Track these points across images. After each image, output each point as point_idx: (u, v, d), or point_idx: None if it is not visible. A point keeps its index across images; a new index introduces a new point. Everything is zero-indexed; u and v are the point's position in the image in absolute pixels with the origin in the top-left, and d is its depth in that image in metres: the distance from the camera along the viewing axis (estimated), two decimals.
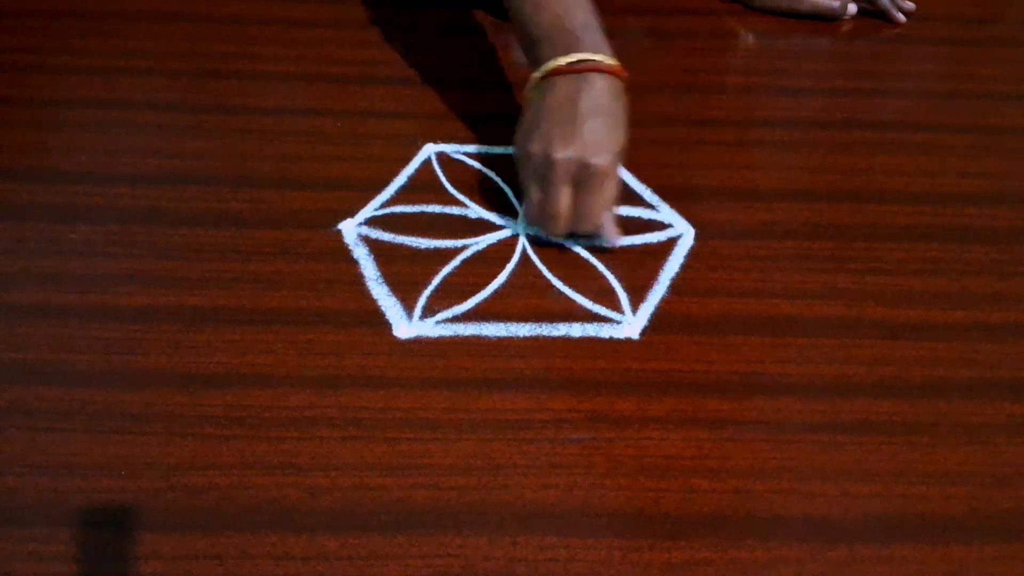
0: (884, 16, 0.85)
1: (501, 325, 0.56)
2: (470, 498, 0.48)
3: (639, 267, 0.60)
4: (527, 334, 0.56)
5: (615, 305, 0.58)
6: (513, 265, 0.60)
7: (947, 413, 0.53)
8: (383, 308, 0.57)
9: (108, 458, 0.48)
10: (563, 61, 0.59)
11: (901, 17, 0.85)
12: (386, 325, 0.56)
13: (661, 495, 0.48)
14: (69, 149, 0.67)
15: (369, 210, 0.63)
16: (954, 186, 0.68)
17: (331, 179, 0.65)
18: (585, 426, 0.51)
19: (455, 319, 0.56)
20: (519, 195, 0.64)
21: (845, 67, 0.81)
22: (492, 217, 0.63)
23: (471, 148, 0.68)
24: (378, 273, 0.59)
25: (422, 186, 0.65)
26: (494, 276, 0.59)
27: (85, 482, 0.47)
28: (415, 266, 0.59)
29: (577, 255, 0.61)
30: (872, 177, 0.69)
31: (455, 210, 0.63)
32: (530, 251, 0.61)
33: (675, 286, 0.59)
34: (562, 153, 0.56)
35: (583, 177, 0.56)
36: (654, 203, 0.65)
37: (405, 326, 0.56)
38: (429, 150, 0.68)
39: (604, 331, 0.56)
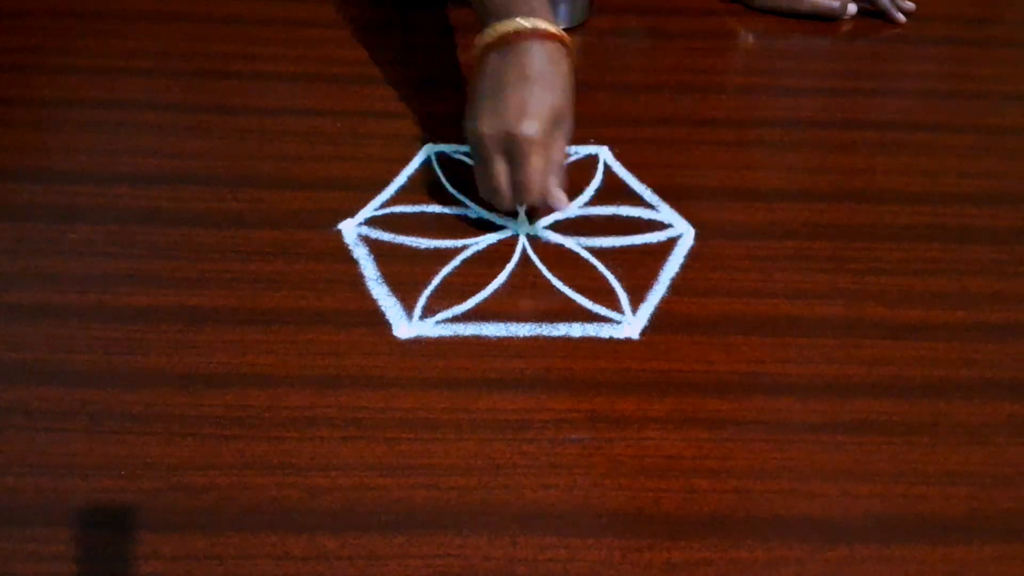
0: (884, 16, 0.85)
1: (501, 325, 0.56)
2: (470, 498, 0.48)
3: (639, 267, 0.60)
4: (527, 334, 0.56)
5: (615, 305, 0.58)
6: (513, 265, 0.60)
7: (947, 413, 0.53)
8: (383, 308, 0.57)
9: (108, 458, 0.48)
10: (493, 34, 0.59)
11: (901, 17, 0.85)
12: (386, 325, 0.56)
13: (661, 495, 0.48)
14: (69, 149, 0.67)
15: (369, 210, 0.63)
16: (954, 186, 0.68)
17: (331, 179, 0.65)
18: (585, 426, 0.51)
19: (455, 319, 0.56)
20: None
21: (845, 67, 0.81)
22: (492, 217, 0.63)
23: None
24: (378, 273, 0.59)
25: (422, 186, 0.65)
26: (494, 276, 0.59)
27: (85, 482, 0.47)
28: (415, 266, 0.59)
29: (577, 255, 0.61)
30: (872, 177, 0.69)
31: (455, 210, 0.63)
32: (530, 251, 0.61)
33: (675, 286, 0.59)
34: (487, 127, 0.56)
35: (512, 149, 0.56)
36: (654, 203, 0.65)
37: (405, 326, 0.56)
38: (429, 150, 0.68)
39: (604, 331, 0.56)
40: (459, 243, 0.61)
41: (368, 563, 0.45)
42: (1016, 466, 0.51)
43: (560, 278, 0.59)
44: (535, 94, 0.57)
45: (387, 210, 0.63)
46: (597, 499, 0.48)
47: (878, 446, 0.51)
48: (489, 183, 0.58)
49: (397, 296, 0.57)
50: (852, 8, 0.85)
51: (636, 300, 0.58)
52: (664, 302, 0.58)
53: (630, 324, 0.57)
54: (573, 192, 0.65)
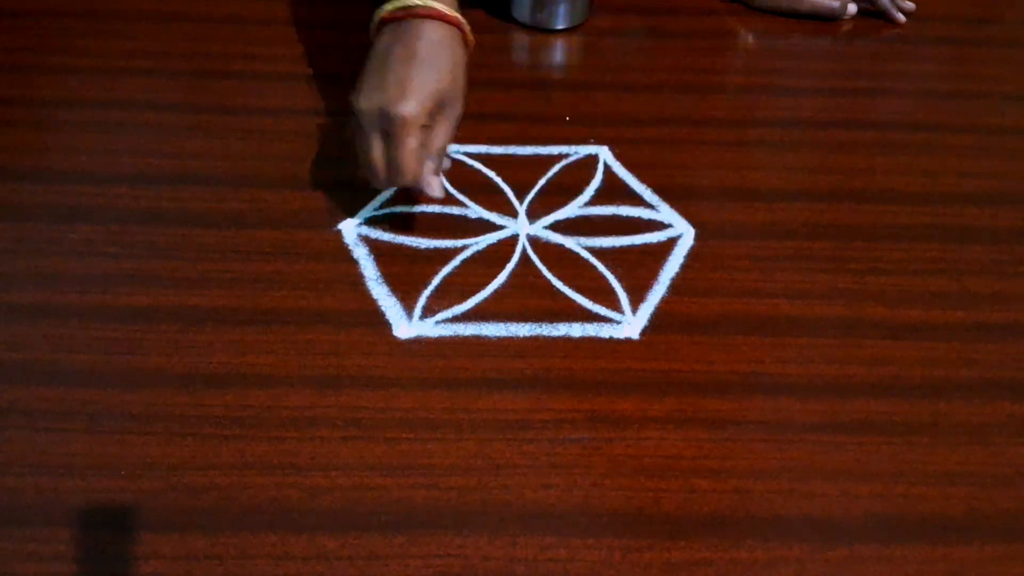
0: (884, 16, 0.85)
1: (501, 325, 0.56)
2: (470, 498, 0.48)
3: (639, 267, 0.60)
4: (527, 334, 0.56)
5: (615, 305, 0.58)
6: (513, 265, 0.60)
7: (947, 413, 0.53)
8: (383, 308, 0.57)
9: (108, 458, 0.48)
10: (388, 8, 0.58)
11: (901, 17, 0.85)
12: (386, 325, 0.56)
13: (661, 495, 0.48)
14: (69, 149, 0.67)
15: (369, 210, 0.63)
16: (954, 186, 0.68)
17: (331, 179, 0.65)
18: (585, 426, 0.51)
19: (455, 319, 0.56)
20: (519, 194, 0.64)
21: (845, 67, 0.81)
22: (492, 217, 0.63)
23: (471, 148, 0.68)
24: (378, 273, 0.59)
25: None
26: (494, 276, 0.59)
27: (85, 482, 0.47)
28: (415, 266, 0.59)
29: (577, 255, 0.61)
30: (872, 177, 0.69)
31: (455, 210, 0.63)
32: (530, 251, 0.61)
33: (675, 286, 0.59)
34: (365, 103, 0.55)
35: (388, 127, 0.55)
36: (654, 203, 0.65)
37: (405, 326, 0.56)
38: None
39: (604, 331, 0.56)
40: (459, 243, 0.61)
41: (368, 563, 0.45)
42: (1016, 466, 0.51)
43: (560, 278, 0.59)
44: (419, 74, 0.55)
45: (387, 210, 0.63)
46: (597, 499, 0.48)
47: (878, 446, 0.51)
48: (364, 158, 0.57)
49: (397, 296, 0.57)
50: (852, 8, 0.84)
51: (636, 300, 0.58)
52: (664, 302, 0.58)
53: (630, 324, 0.57)
54: (573, 192, 0.65)
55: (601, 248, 0.61)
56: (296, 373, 0.53)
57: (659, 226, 0.63)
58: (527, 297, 0.58)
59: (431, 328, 0.56)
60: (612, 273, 0.60)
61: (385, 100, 0.55)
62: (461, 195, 0.64)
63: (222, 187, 0.64)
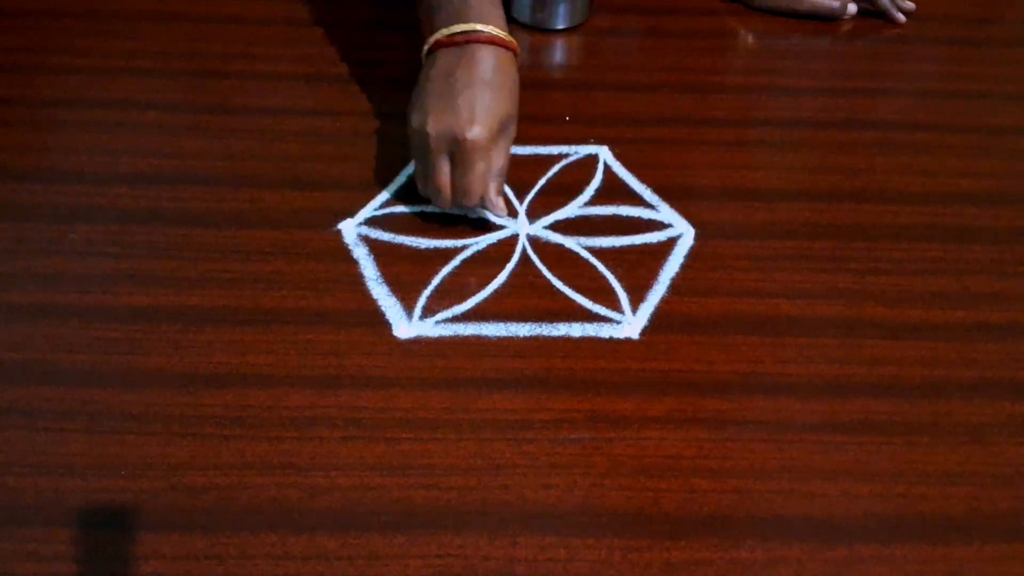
0: (884, 16, 0.85)
1: (501, 325, 0.56)
2: (470, 498, 0.48)
3: (639, 267, 0.60)
4: (527, 334, 0.56)
5: (615, 305, 0.58)
6: (513, 265, 0.60)
7: (947, 413, 0.53)
8: (383, 308, 0.57)
9: (108, 458, 0.48)
10: (446, 32, 0.59)
11: (901, 17, 0.85)
12: (386, 325, 0.56)
13: (661, 495, 0.48)
14: (69, 149, 0.67)
15: (369, 210, 0.63)
16: (954, 186, 0.68)
17: (331, 179, 0.65)
18: (585, 426, 0.51)
19: (455, 319, 0.56)
20: (519, 194, 0.64)
21: (845, 67, 0.81)
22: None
23: None
24: (378, 273, 0.59)
25: None
26: (494, 276, 0.59)
27: (85, 482, 0.47)
28: (415, 266, 0.59)
29: (577, 255, 0.61)
30: (872, 177, 0.69)
31: (455, 210, 0.63)
32: (530, 251, 0.61)
33: (675, 286, 0.59)
34: (435, 127, 0.56)
35: (457, 151, 0.56)
36: (654, 203, 0.65)
37: (405, 326, 0.56)
38: None
39: (604, 331, 0.56)
40: (459, 243, 0.61)
41: (368, 563, 0.45)
42: (1016, 466, 0.51)
43: (560, 278, 0.59)
44: (485, 99, 0.57)
45: (387, 210, 0.63)
46: (597, 499, 0.48)
47: (878, 446, 0.51)
48: (431, 182, 0.58)
49: (397, 296, 0.57)
50: (852, 8, 0.84)
51: (636, 300, 0.58)
52: (664, 302, 0.58)
53: (630, 324, 0.57)
54: (573, 192, 0.65)
55: (601, 248, 0.61)
56: (296, 373, 0.53)
57: (659, 226, 0.63)
58: (527, 297, 0.58)
59: (431, 328, 0.56)
60: (612, 273, 0.60)
61: (455, 124, 0.56)
62: None
63: (222, 187, 0.64)
